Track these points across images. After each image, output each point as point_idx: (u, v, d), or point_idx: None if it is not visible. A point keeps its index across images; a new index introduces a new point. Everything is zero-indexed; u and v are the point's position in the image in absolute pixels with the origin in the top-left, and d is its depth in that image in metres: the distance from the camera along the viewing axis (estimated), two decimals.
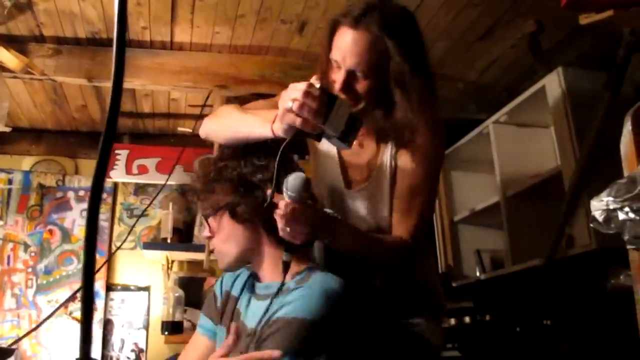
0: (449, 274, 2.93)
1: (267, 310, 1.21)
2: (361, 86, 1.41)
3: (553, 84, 2.31)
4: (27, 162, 2.94)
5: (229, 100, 2.50)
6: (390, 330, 1.53)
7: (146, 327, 2.86)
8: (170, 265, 2.93)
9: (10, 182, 2.85)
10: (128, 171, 2.91)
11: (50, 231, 2.84)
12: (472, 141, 2.88)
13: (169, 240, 2.83)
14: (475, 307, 2.56)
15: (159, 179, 2.88)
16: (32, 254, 2.78)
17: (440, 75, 2.71)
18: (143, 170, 2.90)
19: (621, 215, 1.20)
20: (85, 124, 2.99)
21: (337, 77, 1.41)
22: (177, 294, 2.87)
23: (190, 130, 2.86)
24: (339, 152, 1.56)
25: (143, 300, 2.90)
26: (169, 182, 2.56)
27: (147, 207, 2.85)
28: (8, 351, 1.65)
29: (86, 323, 0.53)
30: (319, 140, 1.28)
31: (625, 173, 1.42)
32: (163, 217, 2.90)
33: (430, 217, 1.49)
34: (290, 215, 1.18)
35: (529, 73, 2.60)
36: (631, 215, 1.18)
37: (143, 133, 3.11)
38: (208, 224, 1.31)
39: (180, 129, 2.91)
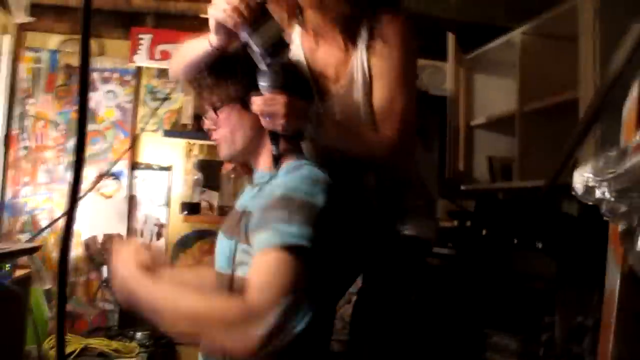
0: (457, 177, 2.99)
1: (255, 195, 1.31)
2: None
3: (587, 4, 2.20)
4: (53, 41, 2.98)
5: None
6: (383, 231, 1.65)
7: (167, 205, 3.06)
8: (191, 147, 3.06)
9: (38, 61, 2.92)
10: (151, 56, 2.94)
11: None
12: (499, 48, 2.80)
13: (189, 127, 2.93)
14: (477, 212, 2.64)
15: None
16: (62, 132, 2.92)
17: None
18: (165, 55, 2.93)
19: (598, 193, 1.23)
20: (108, 2, 2.97)
21: None
22: (196, 177, 3.04)
23: None
24: (306, 59, 1.58)
25: (164, 179, 3.07)
26: None
27: (170, 93, 2.92)
28: (34, 249, 1.82)
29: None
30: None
31: (622, 139, 1.42)
32: (184, 102, 2.98)
33: (414, 116, 1.49)
34: (263, 103, 1.26)
35: None
36: (607, 195, 1.20)
37: (166, 14, 3.08)
38: (216, 115, 1.35)
39: (202, 15, 2.88)
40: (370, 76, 1.51)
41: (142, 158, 3.06)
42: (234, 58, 1.35)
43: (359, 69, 1.51)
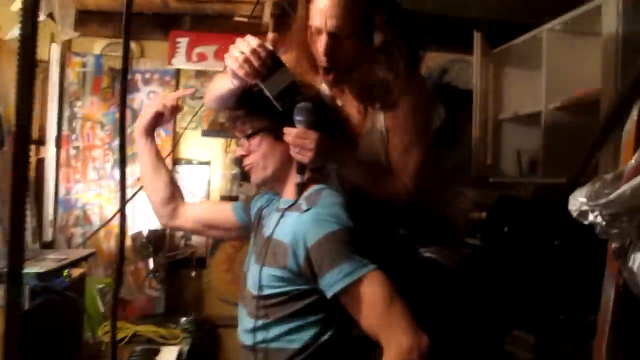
0: (485, 169, 3.06)
1: (278, 222, 1.44)
2: (344, 48, 1.51)
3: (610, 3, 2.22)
4: (97, 46, 3.15)
5: (276, 6, 2.57)
6: (405, 256, 1.77)
7: (207, 198, 3.23)
8: (228, 143, 3.22)
9: (84, 65, 3.11)
10: (188, 59, 3.09)
11: None
12: (526, 43, 2.83)
13: (226, 125, 3.08)
14: (498, 210, 2.71)
15: (217, 66, 3.07)
16: (108, 132, 3.12)
17: None
18: (202, 57, 3.08)
19: (591, 217, 1.32)
20: (147, 6, 3.11)
21: (320, 43, 1.52)
22: (233, 172, 3.21)
23: (246, 20, 2.96)
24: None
25: (204, 173, 3.25)
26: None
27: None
28: (90, 254, 2.01)
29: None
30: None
31: (621, 160, 1.49)
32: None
33: (428, 165, 1.62)
34: (296, 136, 1.40)
35: None
36: (599, 219, 1.29)
37: (203, 15, 3.21)
38: (247, 143, 1.50)
39: (236, 18, 3.01)
40: (387, 129, 1.62)
41: (183, 154, 3.24)
42: (259, 92, 1.46)
43: (375, 123, 1.62)
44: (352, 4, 1.48)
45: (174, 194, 1.73)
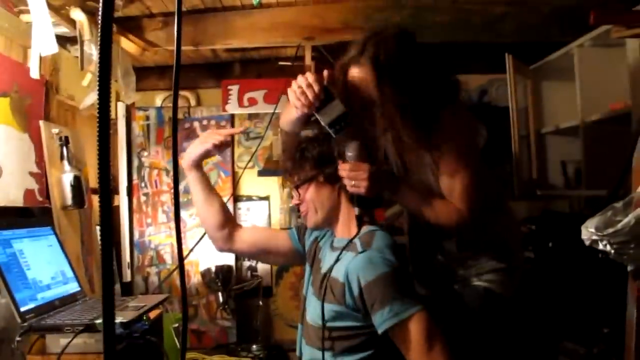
0: (530, 183, 3.12)
1: (337, 260, 1.58)
2: (370, 116, 1.65)
3: None
4: (158, 99, 3.45)
5: (315, 50, 2.76)
6: (460, 286, 1.84)
7: None
8: (285, 180, 3.43)
9: (147, 118, 3.40)
10: (240, 104, 3.33)
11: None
12: (559, 59, 2.90)
13: (280, 162, 3.30)
14: (542, 225, 2.78)
15: (267, 108, 3.31)
16: (173, 178, 3.39)
17: (523, 2, 2.73)
18: (253, 102, 3.32)
19: (601, 246, 1.42)
20: (200, 58, 3.37)
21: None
22: (291, 205, 3.41)
23: (289, 63, 3.16)
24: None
25: (264, 208, 3.46)
26: (277, 111, 2.95)
27: (263, 136, 3.30)
28: (164, 299, 2.25)
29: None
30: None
31: (633, 187, 1.57)
32: (274, 140, 3.35)
33: (479, 187, 1.68)
34: (349, 169, 1.56)
35: None
36: (608, 247, 1.39)
37: (250, 60, 3.45)
38: (298, 193, 1.70)
39: (280, 63, 3.23)
40: (435, 161, 1.70)
41: (243, 191, 3.47)
42: (305, 145, 1.68)
43: (424, 157, 1.72)
44: (368, 81, 1.61)
45: (227, 218, 1.86)
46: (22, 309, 1.81)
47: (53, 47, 2.12)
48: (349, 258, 1.54)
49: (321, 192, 1.65)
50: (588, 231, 1.39)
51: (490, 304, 1.80)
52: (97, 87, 0.65)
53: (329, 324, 1.55)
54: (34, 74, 2.22)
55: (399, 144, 1.72)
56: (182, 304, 1.08)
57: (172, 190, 3.37)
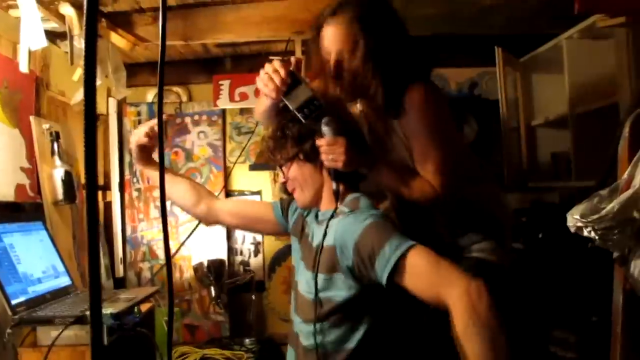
0: (521, 177, 3.14)
1: (325, 232, 1.58)
2: (348, 69, 1.69)
3: None
4: (150, 95, 3.44)
5: (304, 44, 2.76)
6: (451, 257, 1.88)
7: None
8: (276, 173, 3.43)
9: (139, 114, 3.40)
10: (231, 99, 3.34)
11: (176, 153, 3.41)
12: (548, 51, 2.92)
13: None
14: (532, 216, 2.80)
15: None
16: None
17: None
18: (244, 97, 3.32)
19: (586, 232, 1.44)
20: (191, 53, 3.36)
21: (329, 65, 1.71)
22: (283, 199, 3.41)
23: (281, 58, 3.16)
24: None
25: None
26: None
27: (253, 128, 3.31)
28: (155, 292, 2.26)
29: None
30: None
31: (619, 175, 1.58)
32: (265, 135, 3.36)
33: (450, 163, 1.70)
34: (326, 144, 1.57)
35: None
36: (593, 234, 1.41)
37: (241, 55, 3.45)
38: (282, 172, 1.72)
39: (271, 57, 3.22)
40: (405, 136, 1.76)
41: (235, 186, 3.48)
42: (283, 126, 1.69)
43: (397, 132, 1.78)
44: (347, 33, 1.66)
45: (200, 194, 1.89)
46: (13, 302, 1.82)
47: (42, 41, 2.12)
48: (337, 222, 1.56)
49: (304, 170, 1.67)
50: (573, 218, 1.41)
51: (484, 273, 1.78)
52: (84, 78, 0.64)
53: (323, 295, 1.55)
54: (23, 67, 2.22)
55: (368, 111, 1.78)
56: (167, 296, 1.07)
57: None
